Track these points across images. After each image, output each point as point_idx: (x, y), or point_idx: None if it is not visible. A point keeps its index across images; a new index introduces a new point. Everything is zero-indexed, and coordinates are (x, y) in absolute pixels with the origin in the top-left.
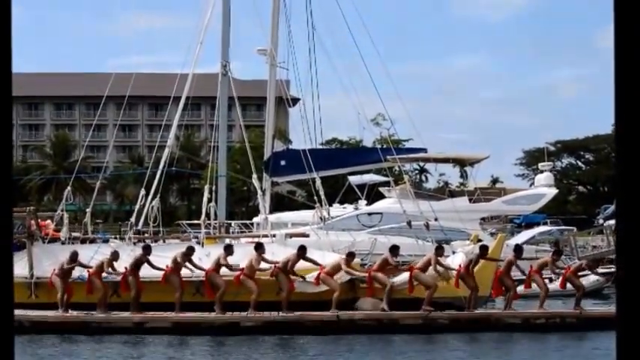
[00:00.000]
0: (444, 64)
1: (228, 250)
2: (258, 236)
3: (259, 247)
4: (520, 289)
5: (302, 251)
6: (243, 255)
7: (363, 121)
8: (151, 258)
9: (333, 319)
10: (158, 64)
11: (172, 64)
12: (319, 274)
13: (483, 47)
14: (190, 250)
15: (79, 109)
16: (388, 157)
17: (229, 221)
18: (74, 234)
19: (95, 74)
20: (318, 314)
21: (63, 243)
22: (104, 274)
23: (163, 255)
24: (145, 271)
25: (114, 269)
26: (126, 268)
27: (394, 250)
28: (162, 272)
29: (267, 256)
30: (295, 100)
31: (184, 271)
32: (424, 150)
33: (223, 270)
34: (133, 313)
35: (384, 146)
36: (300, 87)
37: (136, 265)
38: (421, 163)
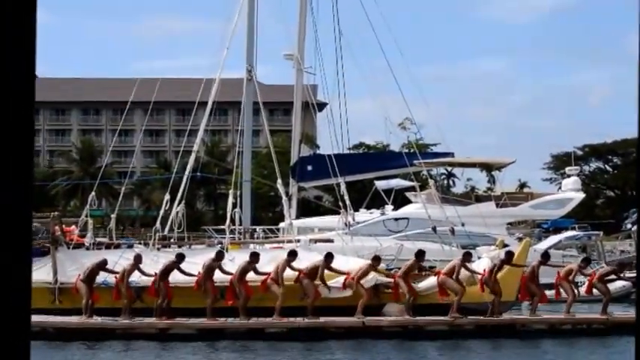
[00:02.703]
0: (472, 67)
1: (254, 257)
2: (283, 241)
3: (291, 254)
4: (550, 293)
5: (329, 259)
6: (268, 260)
7: (389, 126)
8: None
9: (359, 324)
10: (185, 68)
11: (199, 68)
12: (346, 279)
13: (511, 50)
14: (220, 255)
15: (106, 115)
16: (414, 161)
17: (254, 227)
18: (99, 239)
19: (122, 80)
20: (344, 320)
21: (87, 248)
22: (130, 280)
23: (189, 260)
24: (172, 277)
25: (141, 271)
26: (155, 273)
27: (420, 255)
28: (195, 278)
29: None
30: (322, 105)
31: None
32: (451, 154)
33: (250, 275)
34: (160, 319)
35: (411, 151)
36: (327, 92)
37: (166, 271)
38: (448, 168)
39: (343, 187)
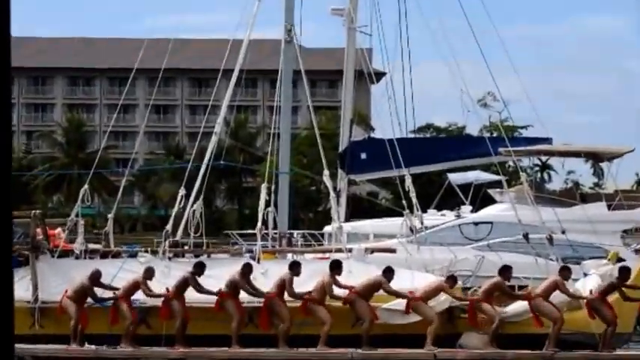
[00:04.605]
0: (574, 28)
1: (295, 269)
2: (330, 251)
3: (335, 267)
4: None
5: (389, 274)
6: (310, 275)
7: (467, 102)
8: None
9: (429, 358)
10: (206, 25)
11: (223, 25)
12: (409, 300)
13: (624, 5)
14: (247, 269)
15: (101, 85)
16: (500, 149)
17: (292, 231)
18: (92, 246)
19: (122, 40)
20: (410, 352)
21: (77, 257)
22: (134, 298)
23: (208, 274)
24: (190, 295)
25: (149, 291)
26: (167, 289)
27: (505, 271)
28: (215, 297)
29: (341, 278)
30: (380, 75)
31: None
32: (548, 140)
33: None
34: (176, 347)
35: (495, 135)
36: (387, 58)
37: (183, 286)
38: (543, 158)
39: (409, 182)
